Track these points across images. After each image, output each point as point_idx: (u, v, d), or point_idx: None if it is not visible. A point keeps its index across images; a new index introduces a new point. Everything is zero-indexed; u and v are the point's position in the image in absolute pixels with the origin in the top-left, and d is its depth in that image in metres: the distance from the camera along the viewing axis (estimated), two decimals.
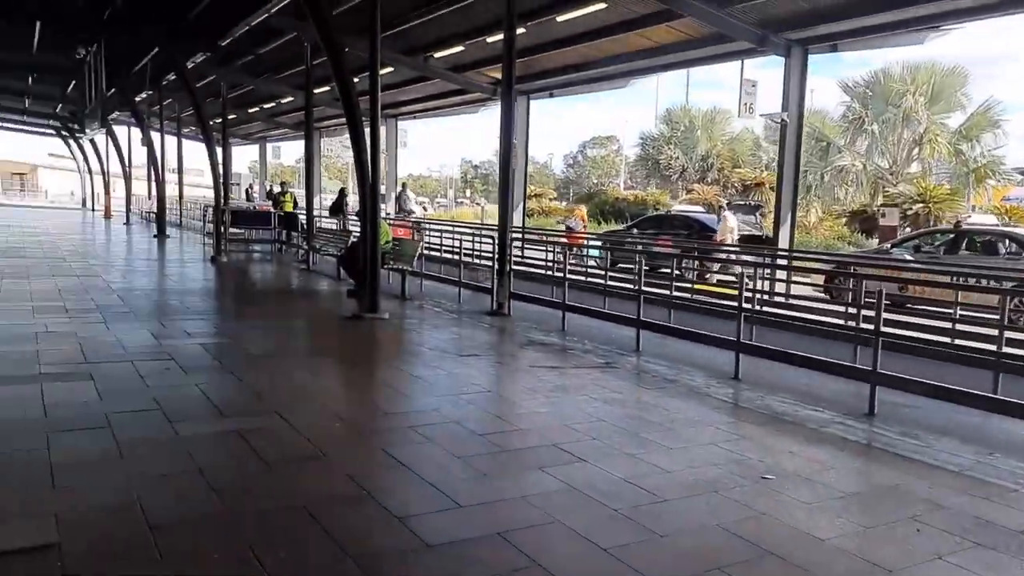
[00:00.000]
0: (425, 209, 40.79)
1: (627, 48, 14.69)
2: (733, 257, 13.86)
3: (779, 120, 11.94)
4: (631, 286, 10.09)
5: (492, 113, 23.83)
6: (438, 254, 16.50)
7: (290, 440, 4.64)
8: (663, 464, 4.56)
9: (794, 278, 11.51)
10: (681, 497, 4.09)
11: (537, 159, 68.52)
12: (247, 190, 35.18)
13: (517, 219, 18.30)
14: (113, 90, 16.88)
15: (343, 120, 29.64)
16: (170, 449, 4.37)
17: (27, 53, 20.40)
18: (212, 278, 13.46)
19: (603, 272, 11.44)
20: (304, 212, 17.78)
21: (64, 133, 43.66)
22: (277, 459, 4.28)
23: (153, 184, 34.45)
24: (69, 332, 7.49)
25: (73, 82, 24.81)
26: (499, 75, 18.33)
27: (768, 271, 11.25)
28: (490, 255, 12.91)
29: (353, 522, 3.58)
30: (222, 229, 16.33)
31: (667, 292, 9.40)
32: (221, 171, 17.57)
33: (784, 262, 11.85)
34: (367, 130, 9.32)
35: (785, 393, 6.44)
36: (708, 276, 14.05)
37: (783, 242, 12.24)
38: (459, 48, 16.21)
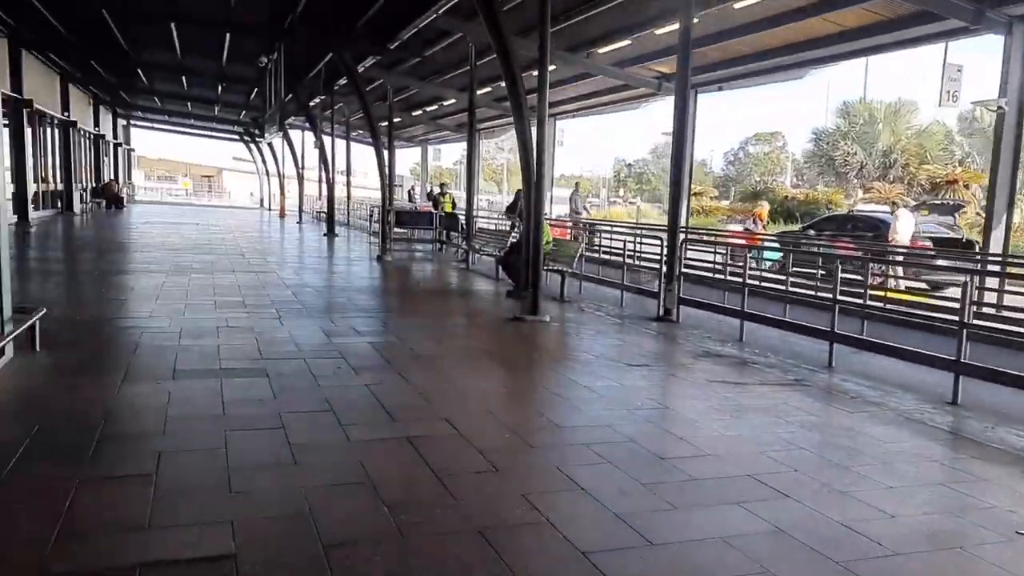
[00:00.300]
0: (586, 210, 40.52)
1: (807, 35, 13.54)
2: (939, 262, 12.40)
3: (995, 108, 10.46)
4: (816, 293, 9.21)
5: (650, 110, 23.12)
6: (596, 255, 16.05)
7: (460, 451, 4.37)
8: (886, 507, 3.86)
9: (1009, 287, 10.07)
10: (918, 552, 3.40)
11: (695, 156, 66.22)
12: (409, 191, 36.39)
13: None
14: (290, 96, 17.84)
15: (501, 121, 30.14)
16: (342, 456, 4.21)
17: (217, 64, 22.10)
18: (378, 276, 13.77)
19: (781, 277, 10.53)
20: (463, 212, 17.95)
21: (246, 138, 47.28)
22: (449, 473, 4.01)
23: (323, 185, 36.66)
24: (247, 327, 7.73)
25: (255, 90, 26.62)
26: (665, 69, 17.66)
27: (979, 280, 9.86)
28: (653, 256, 12.30)
29: (533, 553, 3.22)
30: (387, 229, 16.77)
31: (860, 301, 8.43)
32: (387, 173, 18.04)
33: (997, 268, 10.38)
34: (533, 129, 9.03)
35: (1021, 426, 5.45)
36: (895, 283, 12.68)
37: (995, 246, 10.73)
38: (624, 42, 15.67)
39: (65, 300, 9.19)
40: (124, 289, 10.16)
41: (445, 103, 27.59)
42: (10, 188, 20.76)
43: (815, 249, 14.46)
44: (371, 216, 22.47)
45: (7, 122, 20.62)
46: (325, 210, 34.74)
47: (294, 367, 6.15)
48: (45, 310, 6.36)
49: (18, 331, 5.71)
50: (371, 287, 12.17)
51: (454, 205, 21.42)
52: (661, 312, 9.52)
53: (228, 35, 17.60)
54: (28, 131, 22.32)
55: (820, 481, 4.21)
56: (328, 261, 15.97)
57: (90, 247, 16.32)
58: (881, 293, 9.99)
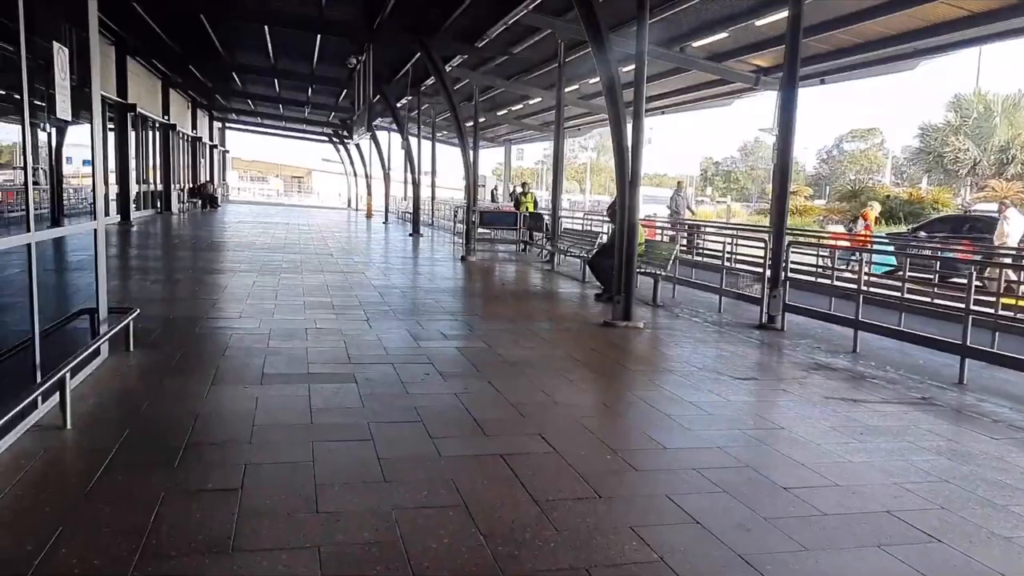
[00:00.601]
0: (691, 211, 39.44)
1: (925, 21, 12.56)
2: None
3: None
4: (933, 301, 8.45)
5: (740, 106, 22.20)
6: (689, 257, 15.46)
7: (559, 473, 4.03)
8: None
9: None
10: None
11: None
12: (492, 191, 36.35)
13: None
14: (378, 97, 17.93)
15: (586, 119, 29.71)
16: (433, 473, 3.93)
17: (308, 65, 22.51)
18: (462, 277, 13.60)
19: (893, 282, 9.73)
20: (548, 212, 17.62)
21: (335, 139, 48.42)
22: (548, 498, 3.68)
23: (408, 185, 37.05)
24: (335, 329, 7.62)
25: (344, 91, 27.05)
26: (763, 63, 16.84)
27: None
28: (750, 259, 11.66)
29: None
30: (472, 229, 16.62)
31: (990, 310, 7.62)
32: (473, 173, 17.89)
33: None
34: (629, 125, 8.61)
35: None
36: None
37: None
38: (722, 35, 14.99)
39: (160, 298, 9.33)
40: (216, 288, 10.28)
41: (530, 102, 27.34)
42: (114, 189, 21.71)
43: (933, 252, 13.44)
44: (455, 216, 22.42)
45: (112, 126, 21.57)
46: (410, 210, 35.18)
47: (382, 372, 5.95)
48: (138, 311, 6.37)
49: (113, 331, 5.70)
50: (456, 288, 11.99)
51: (535, 204, 21.07)
52: (764, 319, 8.93)
53: (319, 36, 17.80)
54: (132, 134, 23.30)
55: (974, 523, 3.66)
56: (413, 261, 15.93)
57: (185, 246, 16.81)
58: (1011, 301, 9.06)
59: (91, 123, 5.68)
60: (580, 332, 8.48)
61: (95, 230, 5.74)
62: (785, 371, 6.95)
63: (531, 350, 7.20)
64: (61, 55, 5.02)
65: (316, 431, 4.50)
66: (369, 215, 36.97)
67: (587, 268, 12.91)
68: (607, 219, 12.69)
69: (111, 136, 21.63)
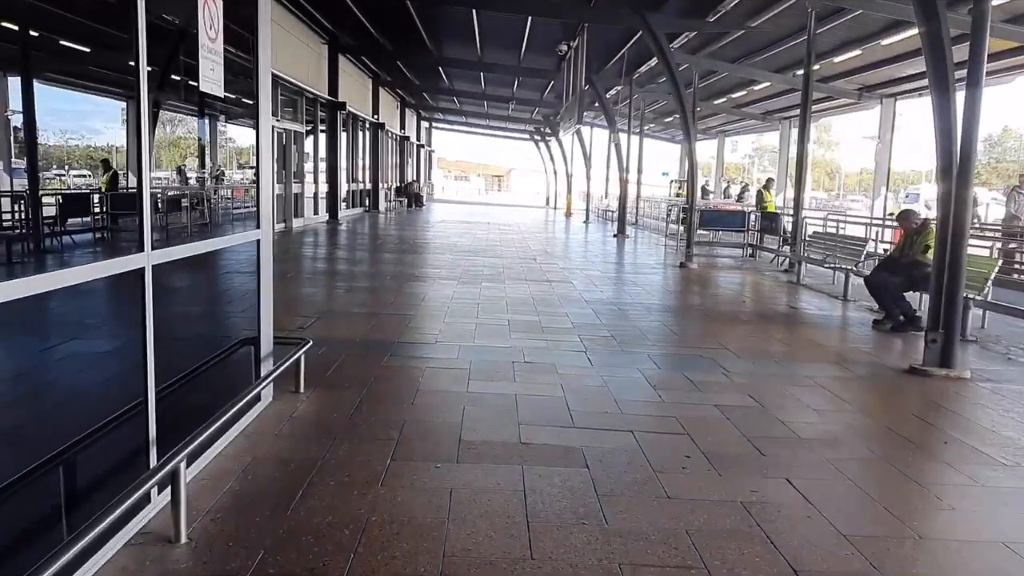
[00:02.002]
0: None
1: None
2: None
3: None
4: None
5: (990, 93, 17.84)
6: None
7: None
8: None
9: None
10: None
11: None
12: (703, 187, 33.49)
13: None
14: (587, 87, 16.30)
15: (823, 106, 26.09)
16: None
17: (515, 56, 21.36)
18: (687, 290, 11.53)
19: None
20: (788, 213, 15.03)
21: (536, 137, 47.76)
22: None
23: (608, 183, 35.25)
24: (548, 365, 5.94)
25: (550, 84, 25.74)
26: None
27: None
28: None
29: None
30: (692, 232, 14.45)
31: None
32: (694, 167, 15.67)
33: None
34: (958, 98, 6.13)
35: None
36: None
37: None
38: None
39: (351, 311, 8.21)
40: (413, 300, 9.06)
41: (755, 87, 24.39)
42: (323, 187, 21.88)
43: None
44: (667, 216, 20.27)
45: (323, 127, 21.76)
46: (612, 208, 33.35)
47: (621, 449, 4.14)
48: (310, 343, 5.05)
49: (277, 371, 4.39)
50: (684, 306, 9.94)
51: (761, 203, 18.20)
52: None
53: (528, 20, 16.41)
54: (343, 134, 23.53)
55: None
56: (625, 268, 14.05)
57: (387, 247, 16.15)
58: None
59: (256, 109, 4.38)
60: (880, 383, 6.15)
61: (258, 241, 4.45)
62: None
63: (825, 416, 5.05)
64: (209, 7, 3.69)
65: (539, 569, 2.78)
66: (568, 214, 35.67)
67: (846, 282, 10.35)
68: (893, 223, 10.04)
69: (322, 136, 21.85)
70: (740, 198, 36.85)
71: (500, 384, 5.34)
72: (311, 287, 10.10)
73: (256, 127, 4.45)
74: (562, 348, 6.65)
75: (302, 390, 4.95)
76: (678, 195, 37.11)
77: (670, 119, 36.04)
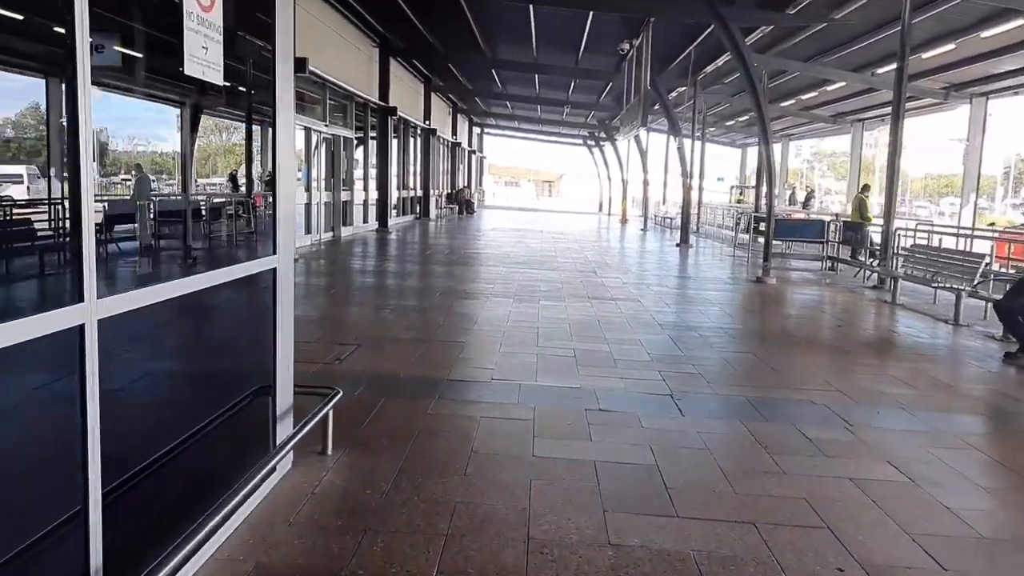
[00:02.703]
0: None
1: None
2: None
3: None
4: None
5: None
6: None
7: None
8: None
9: None
10: None
11: None
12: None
13: None
14: (648, 88, 15.19)
15: (909, 105, 24.41)
16: None
17: (572, 57, 20.34)
18: (772, 312, 10.32)
19: None
20: (875, 223, 13.66)
21: (590, 142, 46.61)
22: None
23: (666, 188, 33.91)
24: (629, 416, 4.89)
25: (608, 86, 24.64)
26: None
27: None
28: None
29: None
30: (769, 243, 13.19)
31: None
32: (771, 172, 14.39)
33: None
34: None
35: None
36: None
37: None
38: None
39: (393, 339, 7.27)
40: (464, 323, 8.09)
41: (828, 88, 22.87)
42: (373, 194, 21.18)
43: None
44: (736, 224, 18.96)
45: (374, 133, 21.06)
46: (670, 215, 32.01)
47: (746, 556, 3.07)
48: (340, 393, 4.09)
49: (296, 437, 3.44)
50: (773, 331, 8.73)
51: (863, 212, 16.37)
52: None
53: (589, 17, 15.37)
54: (393, 140, 22.83)
55: None
56: (697, 283, 12.85)
57: (437, 257, 15.26)
58: None
59: (274, 100, 3.46)
60: None
61: (274, 269, 3.51)
62: None
63: (1000, 497, 3.89)
64: None
65: None
66: (624, 220, 34.44)
67: (958, 304, 9.02)
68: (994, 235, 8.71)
69: (372, 142, 21.15)
70: (806, 205, 35.17)
71: (573, 445, 4.31)
72: (355, 305, 9.23)
73: (273, 124, 3.53)
74: (642, 389, 5.59)
75: (329, 451, 4.00)
76: (739, 201, 35.59)
77: (731, 122, 34.57)
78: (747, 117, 32.60)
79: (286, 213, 3.63)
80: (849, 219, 15.50)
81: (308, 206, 16.10)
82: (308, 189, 16.13)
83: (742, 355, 7.01)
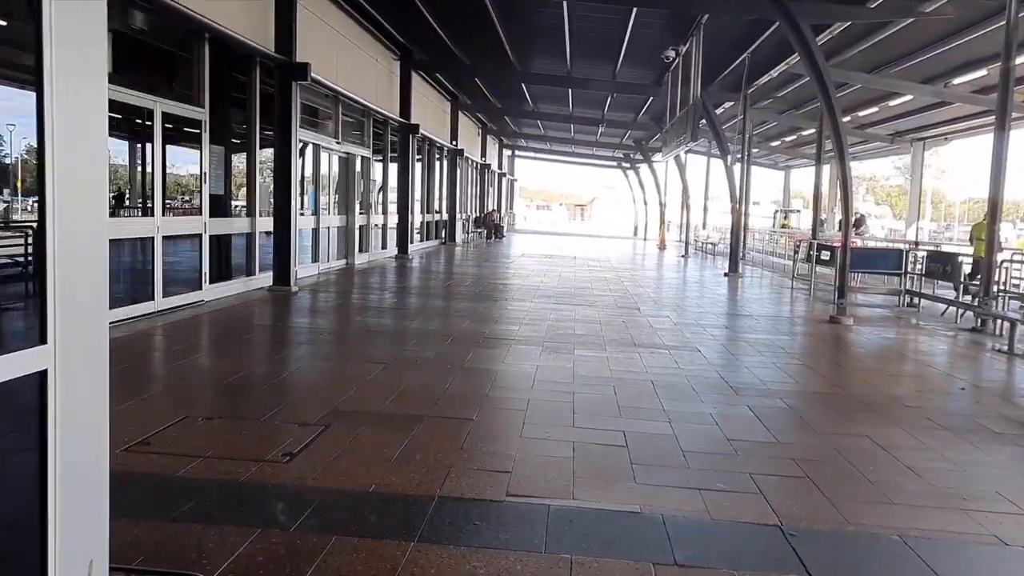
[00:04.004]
0: None
1: None
2: None
3: None
4: None
5: None
6: None
7: None
8: None
9: None
10: None
11: None
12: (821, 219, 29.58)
13: None
14: (699, 98, 13.35)
15: (964, 125, 22.29)
16: None
17: (610, 68, 18.59)
18: (868, 367, 8.34)
19: None
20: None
21: (624, 164, 44.85)
22: None
23: (706, 213, 31.86)
24: (715, 560, 3.01)
25: (648, 101, 22.85)
26: None
27: None
28: None
29: None
30: (845, 277, 11.18)
31: None
32: (848, 192, 12.41)
33: None
34: None
35: None
36: None
37: None
38: None
39: (380, 411, 5.47)
40: (478, 386, 6.26)
41: (891, 103, 20.73)
42: (393, 218, 19.59)
43: None
44: (795, 253, 16.92)
45: (394, 153, 19.50)
46: (712, 240, 29.99)
47: None
48: None
49: None
50: (882, 399, 6.69)
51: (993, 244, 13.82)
52: None
53: (631, 18, 13.58)
54: (416, 160, 21.28)
55: None
56: (762, 324, 10.86)
57: (458, 290, 13.48)
58: None
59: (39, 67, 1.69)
60: None
61: (43, 374, 1.71)
62: None
63: None
64: None
65: None
66: (662, 246, 32.49)
67: None
68: None
69: (391, 164, 19.56)
70: (858, 231, 32.77)
71: None
72: (341, 358, 7.45)
73: (41, 105, 1.76)
74: (734, 514, 3.69)
75: None
76: (783, 226, 33.37)
77: (777, 142, 32.52)
78: (795, 137, 30.56)
79: (74, 261, 1.84)
80: (972, 253, 13.21)
81: (316, 232, 14.46)
82: (316, 213, 14.50)
83: (857, 442, 5.05)
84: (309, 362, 7.02)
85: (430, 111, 23.38)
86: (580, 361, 7.27)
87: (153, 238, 8.76)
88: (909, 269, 13.25)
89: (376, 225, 18.69)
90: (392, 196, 19.79)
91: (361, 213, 17.51)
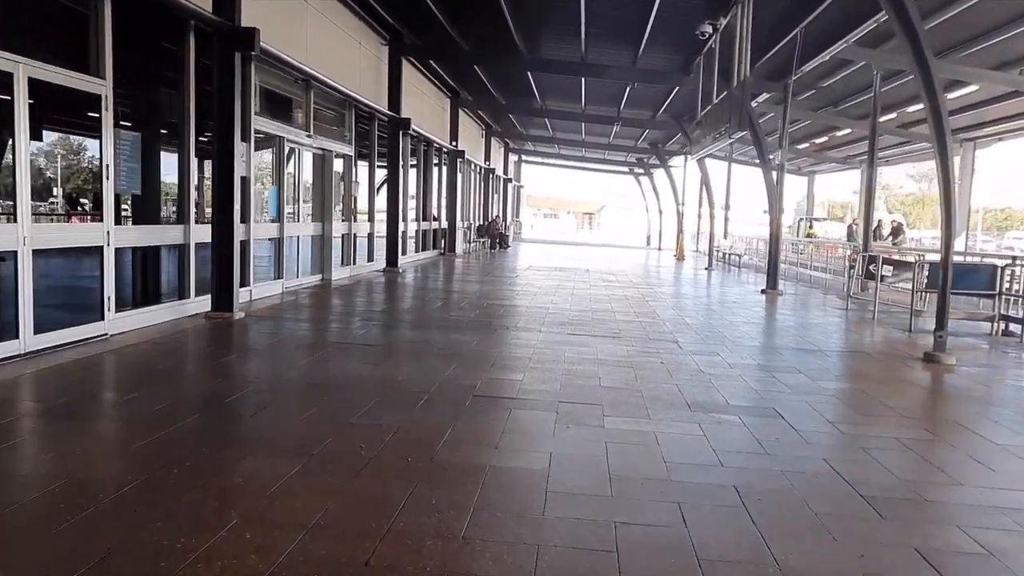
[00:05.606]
0: None
1: None
2: None
3: None
4: None
5: None
6: None
7: None
8: None
9: None
10: None
11: None
12: (850, 227, 27.04)
13: None
14: (748, 76, 10.94)
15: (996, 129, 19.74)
16: None
17: (632, 52, 16.11)
18: (1004, 433, 5.82)
19: None
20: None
21: (637, 170, 42.44)
22: None
23: (727, 222, 29.30)
24: None
25: (672, 93, 20.37)
26: None
27: None
28: None
29: None
30: (946, 304, 8.66)
31: None
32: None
33: None
34: None
35: None
36: None
37: None
38: None
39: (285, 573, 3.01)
40: (463, 492, 3.79)
41: (951, 95, 18.20)
42: (381, 226, 17.17)
43: None
44: (851, 268, 14.42)
45: (383, 147, 17.08)
46: (737, 252, 27.49)
47: None
48: None
49: None
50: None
51: None
52: None
53: None
54: (409, 161, 18.89)
55: None
56: (840, 367, 8.33)
57: (448, 316, 11.00)
58: None
59: None
60: None
61: None
62: None
63: None
64: None
65: None
66: (680, 257, 30.02)
67: None
68: None
69: (377, 161, 17.13)
70: (894, 240, 30.19)
71: None
72: (241, 444, 4.96)
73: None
74: None
75: None
76: (808, 235, 30.90)
77: (805, 144, 29.98)
78: (826, 138, 28.04)
79: None
80: None
81: (279, 242, 12.00)
82: (280, 219, 12.04)
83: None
84: (186, 454, 4.52)
85: (426, 107, 20.99)
86: (615, 443, 4.79)
87: (16, 252, 6.32)
88: (1005, 289, 10.76)
89: (361, 234, 16.27)
90: (381, 201, 17.39)
91: (343, 220, 15.11)
